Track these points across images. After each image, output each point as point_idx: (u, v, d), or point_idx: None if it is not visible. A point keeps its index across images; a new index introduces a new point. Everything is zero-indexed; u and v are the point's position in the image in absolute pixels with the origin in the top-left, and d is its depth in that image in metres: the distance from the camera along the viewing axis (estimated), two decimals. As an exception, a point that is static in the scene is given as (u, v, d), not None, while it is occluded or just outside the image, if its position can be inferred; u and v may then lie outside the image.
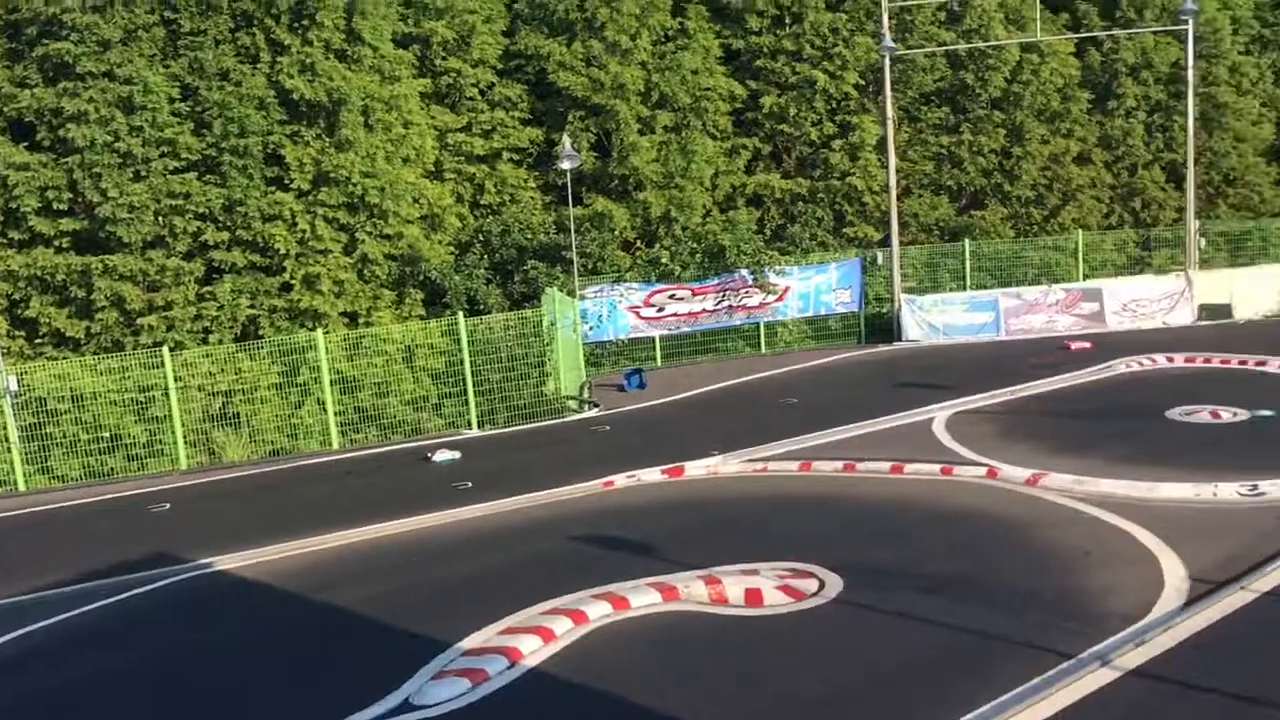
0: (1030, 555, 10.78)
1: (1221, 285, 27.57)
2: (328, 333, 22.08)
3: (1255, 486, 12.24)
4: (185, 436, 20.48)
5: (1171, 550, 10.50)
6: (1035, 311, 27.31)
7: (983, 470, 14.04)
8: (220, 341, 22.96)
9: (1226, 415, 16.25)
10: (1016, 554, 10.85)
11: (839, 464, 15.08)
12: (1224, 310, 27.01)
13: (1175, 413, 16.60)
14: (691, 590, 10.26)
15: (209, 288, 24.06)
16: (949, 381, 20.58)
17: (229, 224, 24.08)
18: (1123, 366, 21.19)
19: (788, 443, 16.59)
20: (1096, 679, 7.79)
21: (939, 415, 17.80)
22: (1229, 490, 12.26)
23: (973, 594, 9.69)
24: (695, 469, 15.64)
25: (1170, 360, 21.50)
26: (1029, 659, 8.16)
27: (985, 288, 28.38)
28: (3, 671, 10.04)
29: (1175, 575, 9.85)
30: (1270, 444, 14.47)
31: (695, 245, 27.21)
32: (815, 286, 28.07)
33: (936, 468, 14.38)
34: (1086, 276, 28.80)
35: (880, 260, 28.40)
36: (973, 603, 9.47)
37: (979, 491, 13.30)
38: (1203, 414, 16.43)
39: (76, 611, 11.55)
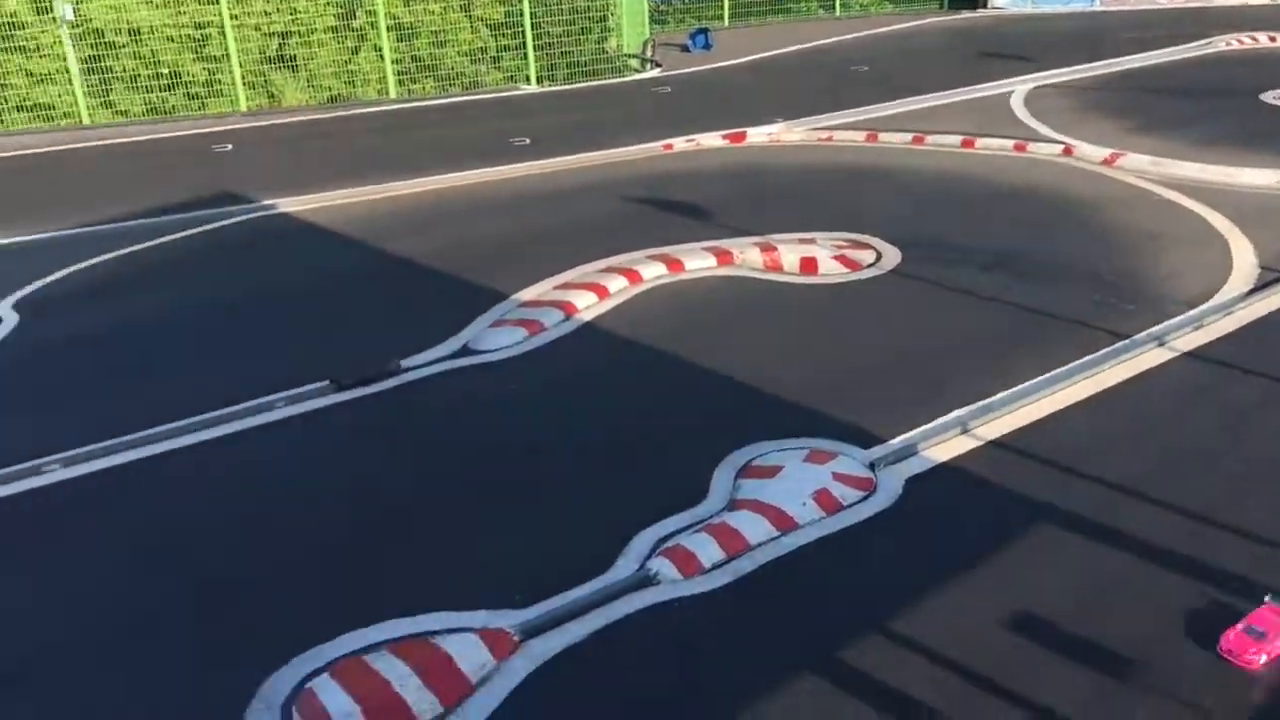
0: (1097, 236, 10.55)
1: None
2: (383, -26, 21.15)
3: (1344, 176, 11.73)
4: (244, 77, 20.21)
5: (1244, 236, 10.23)
6: (1135, -19, 25.44)
7: (1058, 147, 13.54)
8: (274, -22, 22.10)
9: (1326, 101, 15.38)
10: (1083, 234, 10.62)
11: (907, 136, 14.61)
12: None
13: (1270, 95, 15.71)
14: (746, 256, 10.25)
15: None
16: (1034, 54, 19.53)
17: None
18: (1222, 44, 19.90)
19: (856, 112, 16.05)
20: (1150, 359, 7.79)
21: (1019, 89, 17.01)
22: (1315, 179, 11.77)
23: (1034, 271, 9.58)
24: (757, 135, 15.25)
25: (1273, 40, 20.11)
26: (1085, 337, 8.15)
27: (1084, -47, 26.32)
28: (75, 299, 10.44)
29: (1244, 262, 9.63)
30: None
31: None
32: (899, -56, 26.22)
33: (1010, 143, 13.89)
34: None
35: (972, -83, 26.28)
36: (1033, 280, 9.38)
37: (1052, 169, 12.89)
38: (1300, 98, 15.57)
39: (147, 244, 11.84)
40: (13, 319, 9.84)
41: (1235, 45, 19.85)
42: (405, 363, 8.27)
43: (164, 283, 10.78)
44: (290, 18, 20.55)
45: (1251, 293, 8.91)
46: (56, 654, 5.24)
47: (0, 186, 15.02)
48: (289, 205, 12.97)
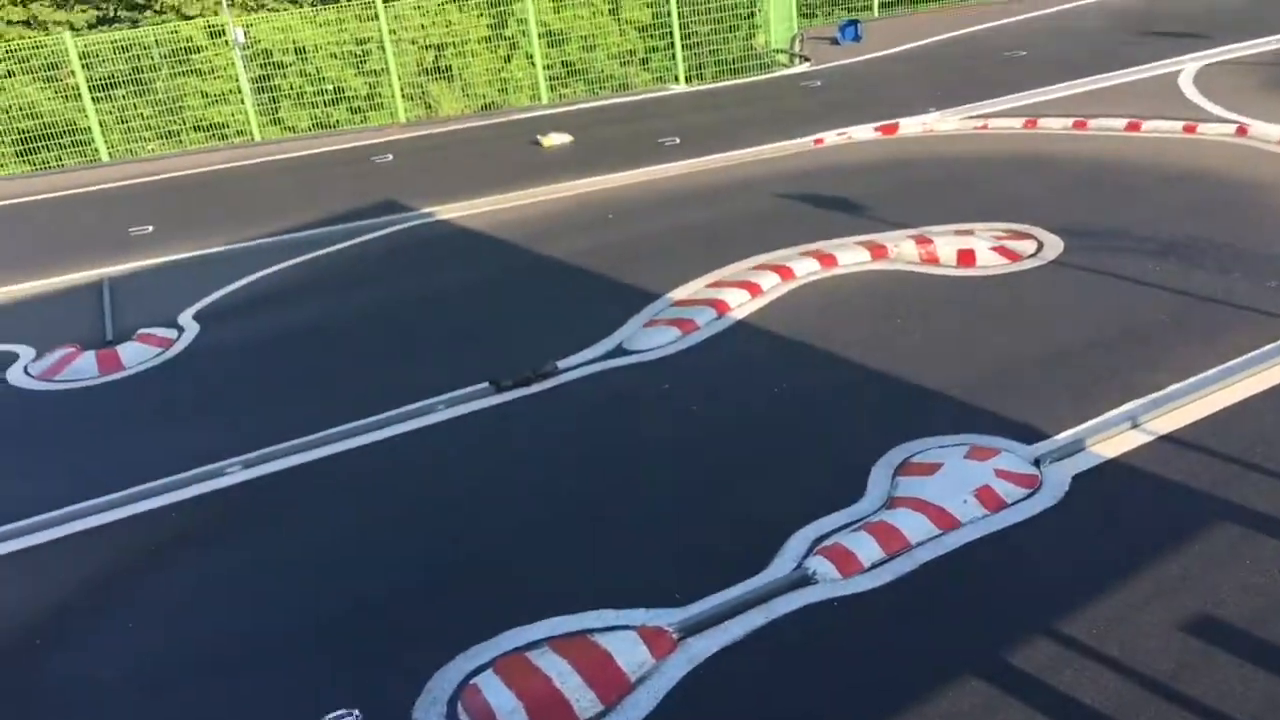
0: (1275, 220, 9.99)
1: None
2: (533, -17, 21.62)
3: None
4: (402, 90, 20.94)
5: None
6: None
7: (1231, 128, 12.86)
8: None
9: None
10: (1259, 218, 10.07)
11: (1068, 121, 14.11)
12: None
13: None
14: (901, 249, 10.09)
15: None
16: (1204, 29, 18.59)
17: None
18: None
19: (1013, 98, 15.59)
20: (1337, 349, 7.37)
21: (1188, 67, 16.23)
22: None
23: (1205, 259, 9.14)
24: (910, 126, 14.97)
25: None
26: (1263, 326, 7.75)
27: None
28: (251, 308, 11.02)
29: None
30: None
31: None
32: (1056, -78, 25.27)
33: (1179, 125, 13.27)
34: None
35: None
36: (1204, 268, 8.95)
37: (1225, 151, 12.26)
38: None
39: (315, 254, 12.41)
40: (194, 328, 10.46)
41: None
42: (562, 364, 8.45)
43: (331, 291, 11.28)
44: (445, 30, 21.22)
45: None
46: (242, 645, 5.57)
47: (178, 203, 15.97)
48: (446, 212, 13.39)
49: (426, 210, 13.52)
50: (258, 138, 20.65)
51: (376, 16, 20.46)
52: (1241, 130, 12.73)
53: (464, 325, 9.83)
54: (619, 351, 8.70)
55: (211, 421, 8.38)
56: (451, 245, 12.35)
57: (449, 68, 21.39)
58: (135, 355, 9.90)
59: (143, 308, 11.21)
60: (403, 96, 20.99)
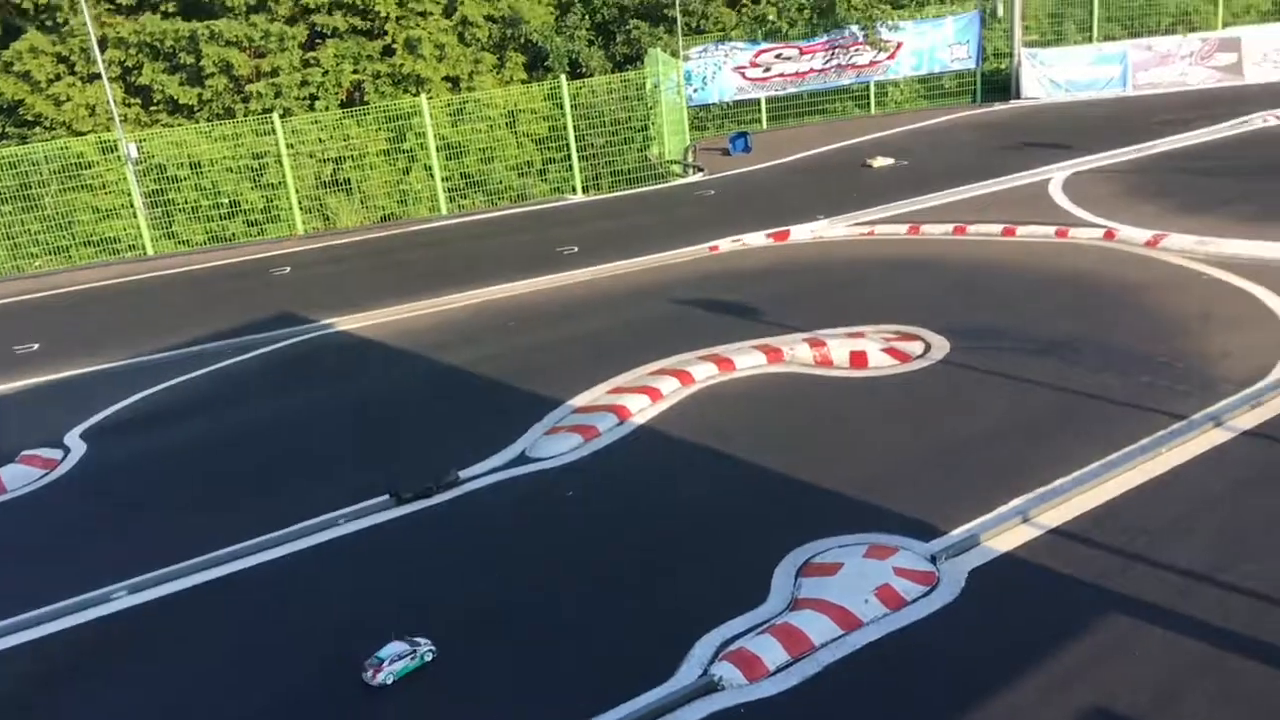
0: (1146, 318, 10.54)
1: (1379, 31, 25.41)
2: (431, 98, 21.96)
3: (1395, 247, 11.66)
4: (300, 203, 20.94)
5: (1297, 313, 10.17)
6: (1167, 64, 25.63)
7: (1100, 232, 13.60)
8: (326, 108, 23.07)
9: (1370, 173, 15.34)
10: (1132, 317, 10.62)
11: (949, 227, 14.76)
12: (1378, 59, 24.97)
13: (1313, 170, 15.71)
14: (796, 352, 10.35)
15: (313, 53, 23.96)
16: (1069, 140, 19.71)
17: (329, -14, 23.71)
18: (1259, 121, 19.95)
19: (896, 205, 16.25)
20: (1209, 439, 7.73)
21: (1057, 176, 17.16)
22: (1365, 252, 11.71)
23: (1085, 357, 9.57)
24: (801, 232, 15.48)
25: (1313, 114, 20.17)
26: (1141, 420, 8.11)
27: (1113, 39, 26.64)
28: (139, 425, 10.76)
29: (1299, 338, 9.57)
30: None
31: (803, 1, 25.93)
32: (930, 43, 26.69)
33: (1051, 230, 13.97)
34: (1226, 24, 26.76)
35: (1000, 12, 26.74)
36: (1084, 365, 9.37)
37: (1095, 254, 12.93)
38: (1344, 172, 15.53)
39: (208, 369, 12.21)
40: (81, 448, 10.17)
41: (1273, 121, 19.89)
42: (464, 473, 8.42)
43: (225, 406, 11.10)
44: (343, 144, 21.36)
45: (1308, 369, 8.83)
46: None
47: (67, 319, 15.60)
48: (346, 323, 13.34)
49: (326, 321, 13.45)
50: (150, 252, 20.37)
51: (274, 131, 20.53)
52: (1109, 234, 13.45)
53: (364, 436, 9.75)
54: (521, 459, 8.71)
55: (97, 545, 8.11)
56: (350, 355, 12.28)
57: (347, 180, 21.48)
58: (18, 477, 9.56)
59: (27, 428, 10.86)
60: (300, 209, 20.98)
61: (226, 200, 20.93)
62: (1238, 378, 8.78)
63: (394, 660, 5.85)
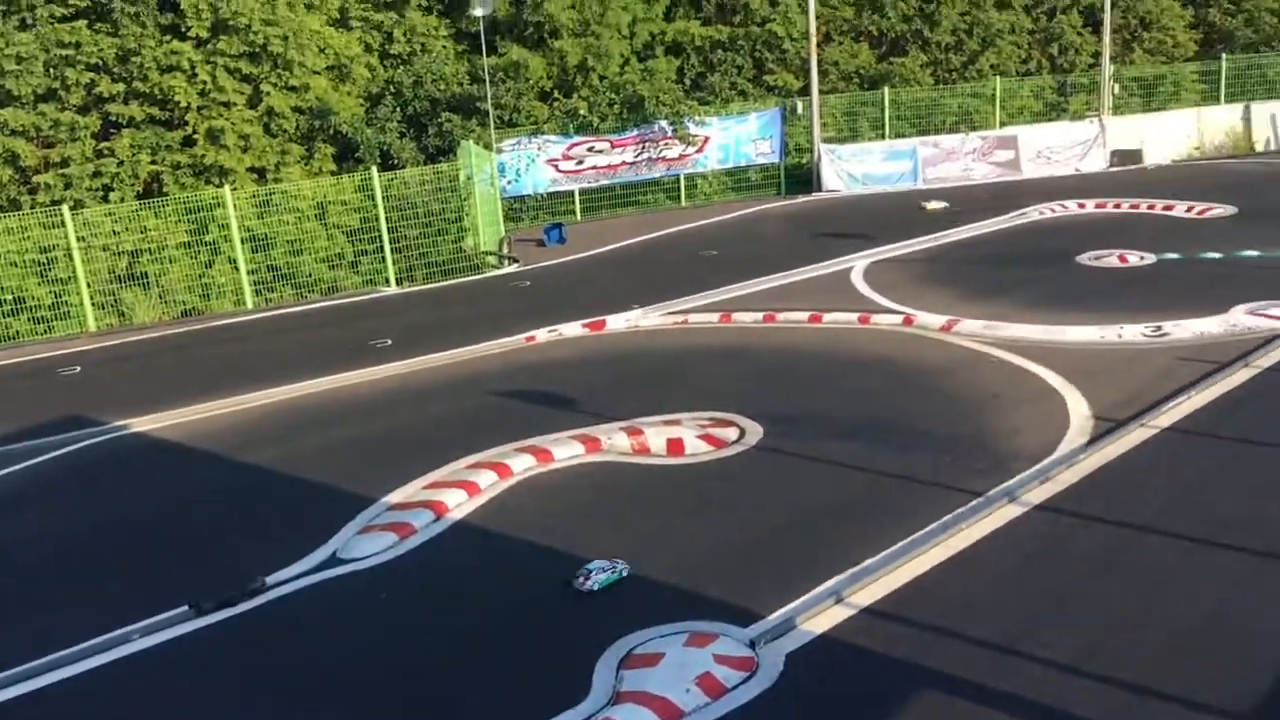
0: (944, 399, 11.06)
1: (1133, 131, 27.89)
2: (235, 189, 21.38)
3: (1159, 328, 12.65)
4: (92, 298, 19.91)
5: (1077, 390, 10.86)
6: (953, 160, 27.43)
7: (899, 318, 14.27)
8: (122, 199, 22.12)
9: (1134, 259, 16.66)
10: (931, 398, 11.13)
11: (758, 315, 15.21)
12: (1135, 156, 27.39)
13: (1085, 257, 16.97)
14: (614, 441, 10.38)
15: (107, 143, 23.05)
16: (867, 231, 20.73)
17: (124, 75, 22.93)
18: (1036, 213, 21.51)
19: (708, 295, 16.66)
20: (1004, 515, 8.12)
21: (857, 265, 17.98)
22: (1133, 332, 12.65)
23: (889, 438, 9.95)
24: (616, 322, 15.66)
25: (1082, 206, 21.86)
26: (942, 497, 8.45)
27: (904, 136, 28.37)
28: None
29: (1080, 414, 10.20)
30: (1174, 286, 14.88)
31: (614, 96, 26.64)
32: (735, 137, 27.80)
33: (854, 316, 14.58)
34: (1003, 123, 28.90)
35: (800, 110, 28.13)
36: (890, 446, 9.73)
37: (896, 338, 13.55)
38: (1111, 258, 16.82)
39: (-11, 478, 11.35)
40: None
41: (1049, 214, 21.48)
42: (270, 579, 8.02)
43: (6, 516, 10.30)
44: (140, 236, 20.48)
45: (1090, 444, 9.41)
46: None
47: None
48: (142, 424, 12.63)
49: (119, 423, 12.70)
50: (-79, 352, 18.91)
51: (63, 224, 19.53)
52: (908, 320, 14.14)
53: (161, 543, 9.17)
54: (333, 561, 8.36)
55: None
56: (146, 458, 11.62)
57: (145, 274, 20.55)
58: None
59: None
60: (93, 305, 19.93)
61: (10, 297, 19.68)
62: (1028, 453, 9.29)
63: (600, 572, 7.37)
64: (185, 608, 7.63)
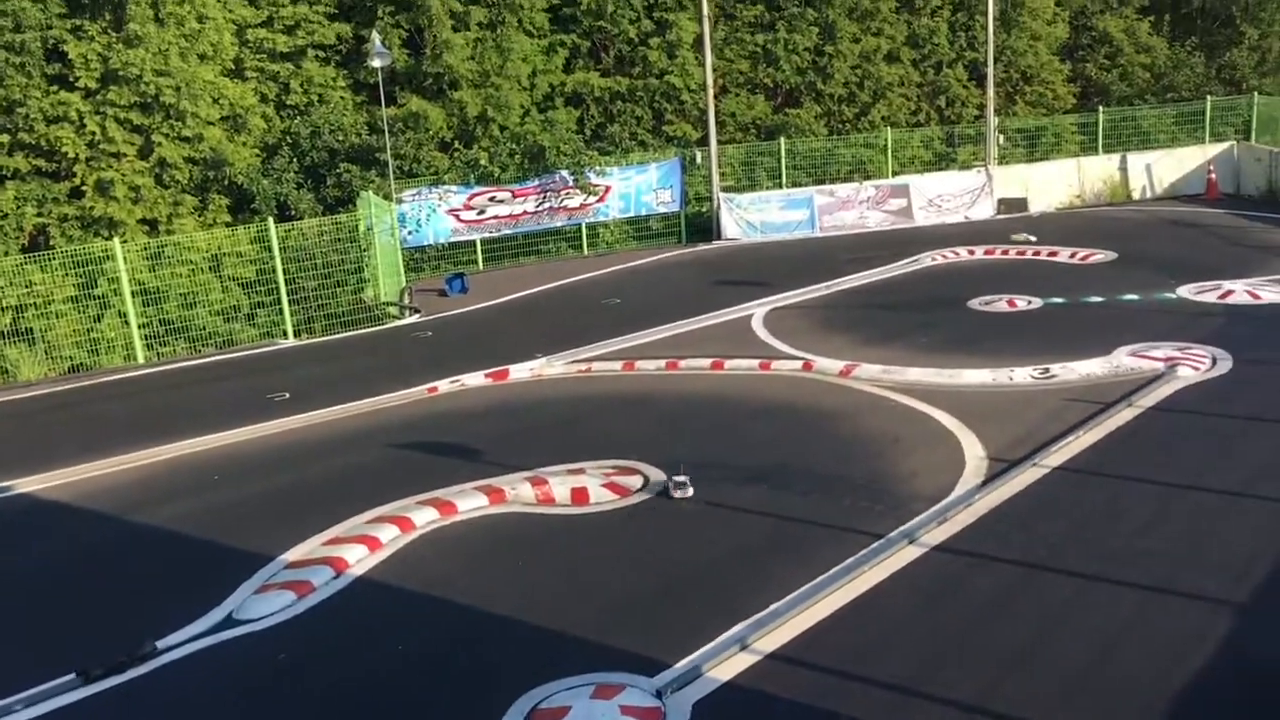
0: (844, 443, 11.25)
1: (1019, 180, 28.94)
2: (125, 241, 20.85)
3: (1047, 370, 13.09)
4: (-29, 355, 19.15)
5: (972, 432, 11.15)
6: (848, 208, 28.08)
7: (799, 364, 14.51)
8: (6, 253, 21.39)
9: (1022, 304, 17.23)
10: (831, 442, 11.31)
11: (661, 363, 15.32)
12: (1021, 204, 28.38)
13: (976, 303, 17.49)
14: (518, 492, 10.32)
15: (-11, 195, 22.31)
16: (767, 279, 21.07)
17: (9, 126, 22.24)
18: (929, 260, 22.11)
19: (611, 343, 16.73)
20: (904, 556, 8.28)
21: (758, 312, 18.25)
22: (1023, 374, 13.06)
23: (792, 482, 10.07)
24: (520, 372, 15.61)
25: (971, 253, 22.55)
26: (844, 540, 8.58)
27: (800, 185, 28.97)
28: None
29: (975, 455, 10.48)
30: (1061, 330, 15.41)
31: (514, 146, 26.73)
32: (636, 186, 28.08)
33: (755, 363, 14.78)
34: (896, 173, 29.73)
35: (699, 160, 28.56)
36: (792, 490, 9.86)
37: (796, 384, 13.75)
38: (1000, 303, 17.37)
39: None
40: None
41: (940, 260, 22.10)
42: (162, 643, 7.75)
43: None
44: (24, 290, 19.82)
45: (985, 484, 9.66)
46: None
47: None
48: (27, 484, 12.15)
49: (3, 484, 12.18)
50: None
51: (-60, 277, 18.81)
52: (807, 365, 14.38)
53: (47, 608, 8.80)
54: (229, 623, 8.13)
55: None
56: (32, 520, 11.16)
57: (29, 330, 19.87)
58: None
59: None
60: (-28, 361, 19.16)
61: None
62: (927, 495, 9.49)
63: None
64: (72, 675, 7.33)
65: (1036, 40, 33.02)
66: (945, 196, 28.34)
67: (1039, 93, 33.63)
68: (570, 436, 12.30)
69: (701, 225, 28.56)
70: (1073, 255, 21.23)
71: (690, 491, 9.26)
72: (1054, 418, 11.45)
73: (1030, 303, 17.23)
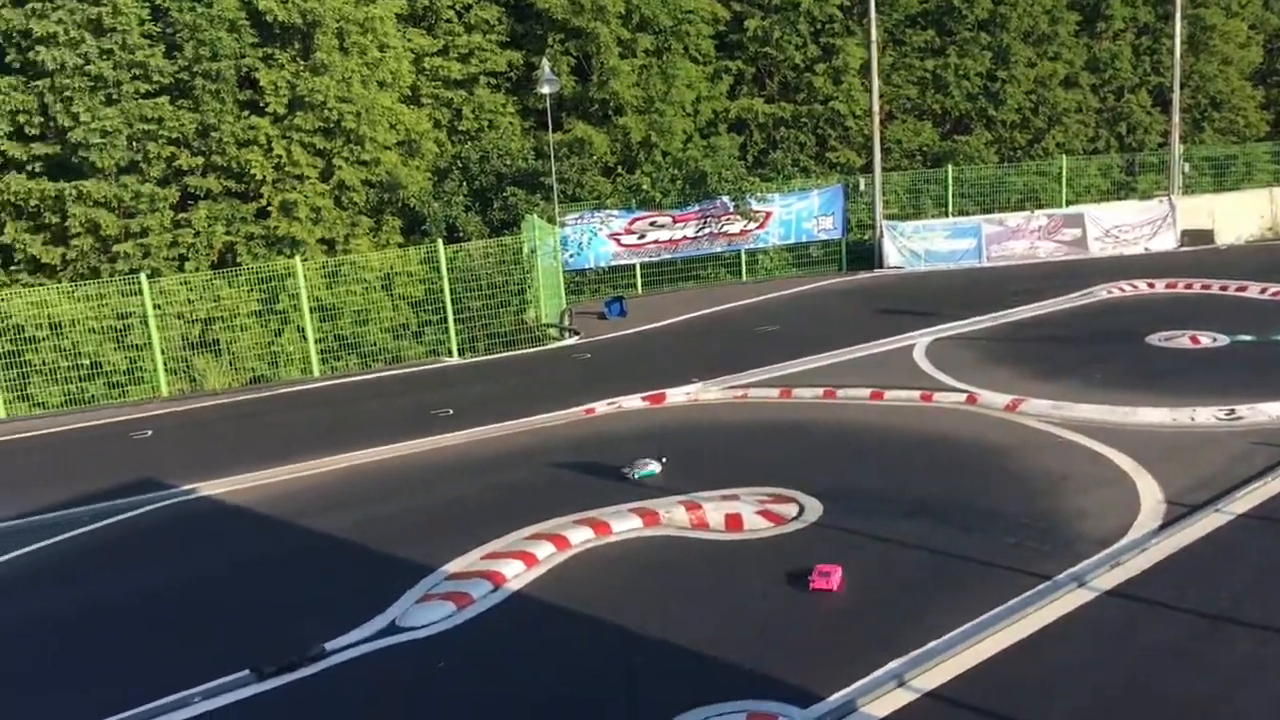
0: (1008, 479, 10.87)
1: (1204, 210, 27.55)
2: (306, 260, 21.90)
3: (1232, 411, 12.36)
4: (165, 364, 20.40)
5: (1148, 473, 10.61)
6: (1017, 238, 27.27)
7: (962, 396, 14.11)
8: (197, 269, 22.77)
9: (1206, 340, 16.35)
10: (995, 478, 10.94)
11: (819, 390, 15.13)
12: (1206, 236, 27.04)
13: (1155, 338, 16.69)
14: (672, 515, 10.33)
15: (184, 214, 23.79)
16: (930, 308, 20.62)
17: (203, 149, 23.73)
18: (1104, 292, 21.25)
19: (768, 370, 16.63)
20: (1073, 599, 7.91)
21: (920, 342, 17.86)
22: (1206, 415, 12.37)
23: (952, 518, 9.78)
24: (676, 396, 15.67)
25: (1151, 286, 21.57)
26: (1006, 581, 8.27)
27: (967, 214, 28.31)
28: (-13, 598, 10.07)
29: (1151, 498, 9.96)
30: (1248, 369, 14.56)
31: (676, 172, 26.97)
32: (797, 213, 27.94)
33: (916, 394, 14.44)
34: (1070, 202, 28.74)
35: (863, 187, 28.25)
36: (952, 526, 9.57)
37: (959, 417, 13.38)
38: (1182, 339, 16.52)
39: (62, 537, 11.56)
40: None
41: (1117, 293, 21.21)
42: (330, 645, 8.04)
43: (72, 578, 10.47)
44: (213, 304, 21.03)
45: (1162, 529, 9.18)
46: None
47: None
48: (210, 488, 12.84)
49: (188, 487, 12.92)
50: (2, 415, 19.45)
51: (140, 292, 20.11)
52: (971, 399, 13.97)
53: (225, 607, 9.26)
54: (391, 630, 8.37)
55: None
56: (214, 523, 11.78)
57: (216, 341, 21.06)
58: None
59: None
60: (166, 371, 20.41)
61: (87, 361, 20.26)
62: (1097, 537, 9.07)
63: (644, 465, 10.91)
64: (247, 671, 7.68)
65: (1228, 65, 31.52)
66: (1124, 227, 27.24)
67: (1229, 119, 32.07)
68: (725, 462, 12.25)
69: (863, 253, 28.20)
70: (1263, 290, 20.05)
71: (657, 467, 10.47)
72: (1239, 461, 10.81)
73: (1215, 339, 16.33)
